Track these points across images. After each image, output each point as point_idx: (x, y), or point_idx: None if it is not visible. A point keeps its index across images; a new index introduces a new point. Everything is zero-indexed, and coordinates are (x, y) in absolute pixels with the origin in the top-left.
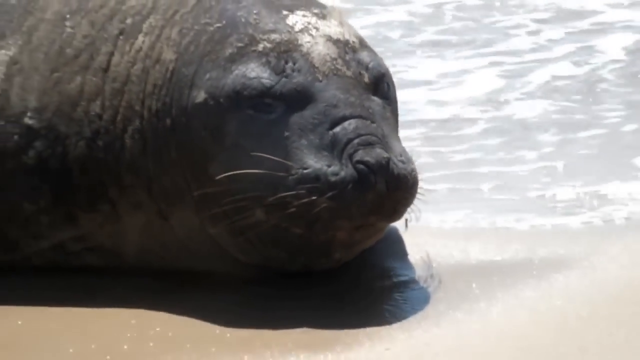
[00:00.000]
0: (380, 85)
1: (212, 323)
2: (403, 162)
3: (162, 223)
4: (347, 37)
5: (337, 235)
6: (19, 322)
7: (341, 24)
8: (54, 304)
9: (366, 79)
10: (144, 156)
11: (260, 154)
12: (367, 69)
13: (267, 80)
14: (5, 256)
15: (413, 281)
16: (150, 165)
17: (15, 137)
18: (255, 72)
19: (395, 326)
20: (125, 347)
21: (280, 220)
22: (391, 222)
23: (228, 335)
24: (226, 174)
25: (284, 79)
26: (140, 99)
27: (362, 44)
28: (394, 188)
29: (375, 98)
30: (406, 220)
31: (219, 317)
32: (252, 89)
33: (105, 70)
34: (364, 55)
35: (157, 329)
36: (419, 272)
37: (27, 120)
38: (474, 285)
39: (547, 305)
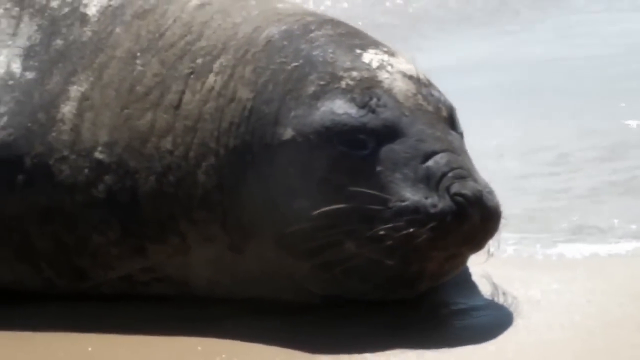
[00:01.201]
0: (454, 120)
1: (278, 347)
2: (490, 193)
3: (233, 256)
4: (417, 73)
5: (428, 266)
6: (89, 349)
7: (409, 60)
8: (122, 331)
9: (444, 114)
10: (219, 192)
11: (356, 189)
12: (442, 103)
13: (356, 116)
14: (75, 285)
15: (475, 309)
16: (225, 200)
17: (86, 170)
18: (343, 109)
19: (455, 353)
20: None
21: (374, 253)
22: (477, 252)
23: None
24: (323, 210)
25: (371, 115)
26: (215, 137)
27: (429, 79)
28: (486, 219)
29: (453, 132)
30: (489, 249)
31: (283, 342)
32: (342, 125)
33: (176, 107)
34: (436, 91)
35: (223, 356)
36: (482, 300)
37: (98, 155)
38: (535, 314)
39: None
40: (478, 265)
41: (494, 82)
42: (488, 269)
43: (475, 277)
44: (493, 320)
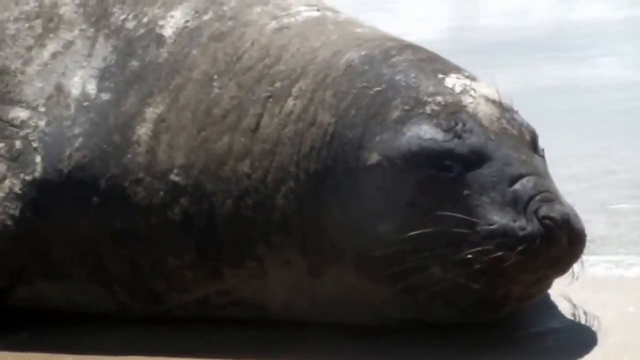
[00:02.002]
0: (537, 143)
1: None
2: (576, 216)
3: (311, 280)
4: (499, 97)
5: (514, 289)
6: None
7: (490, 85)
8: (197, 354)
9: (527, 137)
10: (299, 216)
11: (444, 212)
12: (525, 127)
13: (443, 142)
14: (150, 309)
15: (553, 331)
16: (305, 224)
17: (161, 193)
18: (429, 134)
19: None
20: None
21: (461, 277)
22: (563, 275)
23: None
24: (410, 234)
25: (457, 140)
26: (295, 161)
27: (510, 103)
28: (574, 242)
29: (536, 156)
30: (573, 272)
31: None
32: (429, 150)
33: (254, 131)
34: (517, 115)
35: None
36: (559, 322)
37: (174, 177)
38: (611, 337)
39: None
40: (556, 288)
41: (572, 106)
42: (564, 291)
43: (554, 299)
44: (570, 343)
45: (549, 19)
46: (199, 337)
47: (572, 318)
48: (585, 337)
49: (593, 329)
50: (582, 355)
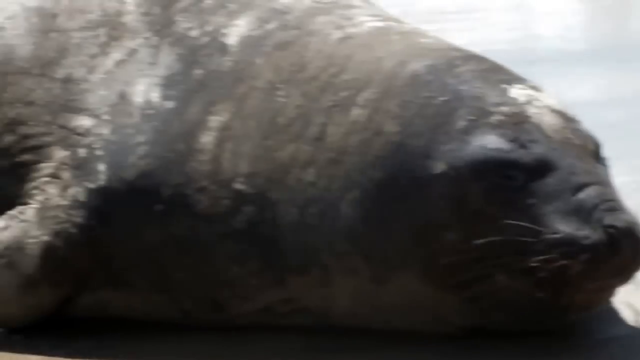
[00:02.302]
0: (599, 153)
1: None
2: (639, 225)
3: (376, 287)
4: (562, 107)
5: (578, 297)
6: None
7: (554, 95)
8: None
9: (591, 147)
10: (364, 224)
11: (510, 221)
12: (588, 138)
13: (508, 152)
14: (211, 317)
15: (616, 339)
16: (370, 233)
17: (225, 201)
18: (495, 144)
19: None
20: None
21: (525, 285)
22: (626, 283)
23: None
24: (477, 242)
25: (522, 150)
26: (360, 170)
27: (573, 114)
28: (638, 251)
29: (599, 165)
30: (636, 280)
31: None
32: (495, 159)
33: (319, 139)
34: (579, 125)
35: None
36: (622, 330)
37: (238, 186)
38: None
39: None
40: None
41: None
42: (627, 298)
43: (617, 307)
44: (632, 350)
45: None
46: (260, 342)
47: (635, 325)
48: None
49: None
50: None
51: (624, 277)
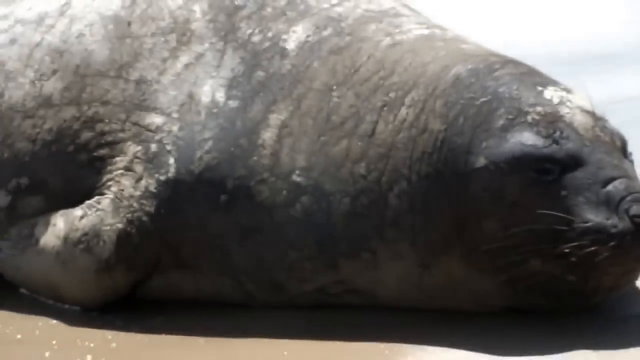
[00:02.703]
0: (626, 149)
1: (459, 349)
2: None
3: (421, 271)
4: (592, 107)
5: (605, 280)
6: (285, 353)
7: (585, 97)
8: (315, 337)
9: (618, 144)
10: (411, 214)
11: (545, 211)
12: (616, 135)
13: (543, 147)
14: (272, 297)
15: (638, 316)
16: (416, 222)
17: (284, 192)
18: (531, 141)
19: (628, 355)
20: None
21: (557, 270)
22: None
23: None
24: (514, 230)
25: (555, 146)
26: (407, 164)
27: (601, 113)
28: None
29: (626, 160)
30: None
31: (466, 346)
32: (531, 155)
33: (370, 136)
34: (608, 124)
35: (409, 357)
36: None
37: (296, 178)
38: None
39: None
40: None
41: None
42: None
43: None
44: None
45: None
46: (315, 320)
47: None
48: None
49: None
50: None
51: None
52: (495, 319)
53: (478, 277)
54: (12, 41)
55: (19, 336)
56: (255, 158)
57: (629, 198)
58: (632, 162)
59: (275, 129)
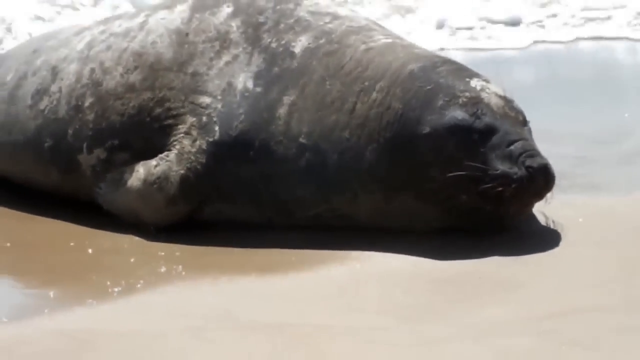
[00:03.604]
0: (527, 121)
1: (399, 253)
2: (549, 165)
3: (386, 203)
4: (504, 92)
5: (511, 209)
6: (292, 259)
7: (498, 84)
8: (313, 248)
9: (520, 118)
10: (379, 163)
11: (469, 162)
12: (519, 112)
13: (468, 120)
14: (285, 221)
15: (532, 232)
16: (383, 169)
17: (293, 150)
18: (461, 116)
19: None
20: None
21: (478, 202)
22: (540, 200)
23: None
24: (450, 175)
25: (477, 119)
26: (377, 131)
27: (510, 96)
28: (547, 181)
29: (525, 129)
30: (546, 198)
31: (407, 250)
32: (461, 125)
33: (351, 112)
34: (515, 104)
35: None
36: (538, 227)
37: (301, 140)
38: (572, 234)
39: None
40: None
41: None
42: (541, 209)
43: (535, 213)
44: (545, 238)
45: None
46: (313, 236)
47: (545, 224)
48: (553, 235)
49: (558, 230)
50: (559, 245)
51: (539, 197)
52: (437, 235)
53: (425, 206)
54: (108, 47)
55: (113, 248)
56: (273, 126)
57: (525, 154)
58: (530, 129)
59: (287, 107)
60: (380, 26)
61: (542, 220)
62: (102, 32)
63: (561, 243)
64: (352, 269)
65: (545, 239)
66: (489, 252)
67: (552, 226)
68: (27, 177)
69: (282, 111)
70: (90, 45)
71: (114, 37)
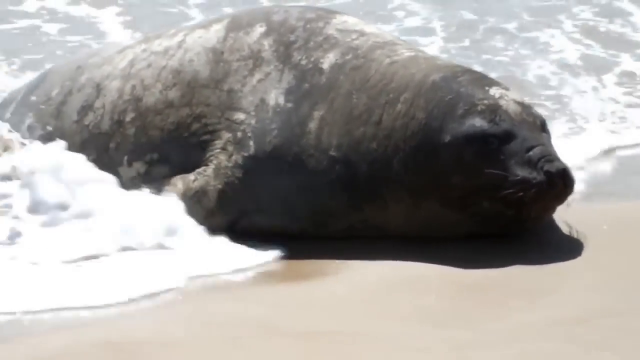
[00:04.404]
0: (544, 126)
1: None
2: (568, 169)
3: (413, 210)
4: (522, 99)
5: (530, 214)
6: (332, 266)
7: (516, 92)
8: (341, 257)
9: (538, 123)
10: (406, 172)
11: (489, 170)
12: (537, 117)
13: (487, 127)
14: (318, 232)
15: (556, 238)
16: (410, 178)
17: (324, 162)
18: (480, 123)
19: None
20: None
21: (500, 207)
22: (561, 204)
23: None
24: (471, 182)
25: (496, 126)
26: (403, 140)
27: (528, 102)
28: (568, 185)
29: (544, 134)
30: (568, 203)
31: (434, 260)
32: (480, 132)
33: (378, 124)
34: (533, 110)
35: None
36: (559, 234)
37: (332, 152)
38: (594, 240)
39: None
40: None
41: None
42: (563, 217)
43: (556, 220)
44: (566, 245)
45: None
46: (350, 246)
47: (566, 232)
48: (577, 243)
49: (582, 238)
50: (576, 252)
51: (559, 201)
52: (462, 241)
53: (449, 213)
54: (148, 65)
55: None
56: (304, 140)
57: (543, 159)
58: (549, 135)
59: (317, 121)
60: (404, 41)
61: (565, 228)
62: (144, 50)
63: (586, 249)
64: (383, 276)
65: (569, 246)
66: (514, 259)
67: (575, 235)
68: None
69: (312, 125)
70: (132, 63)
71: (154, 56)
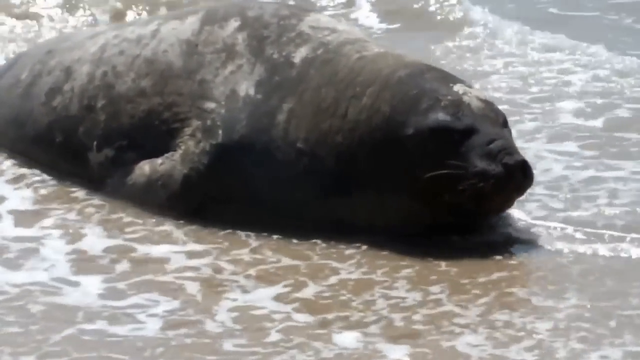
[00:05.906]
0: (505, 122)
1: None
2: (527, 162)
3: (381, 202)
4: (485, 96)
5: (490, 206)
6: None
7: (480, 89)
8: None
9: (500, 120)
10: (371, 165)
11: (451, 161)
12: (499, 113)
13: (450, 121)
14: (290, 223)
15: (511, 228)
16: (375, 169)
17: (291, 154)
18: (442, 118)
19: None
20: None
21: (460, 199)
22: (519, 197)
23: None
24: (434, 173)
25: (458, 121)
26: (368, 133)
27: (490, 99)
28: (525, 178)
29: (504, 129)
30: (524, 196)
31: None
32: (443, 126)
33: (344, 117)
34: (495, 107)
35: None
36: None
37: (299, 145)
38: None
39: None
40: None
41: None
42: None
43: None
44: (518, 232)
45: None
46: (307, 231)
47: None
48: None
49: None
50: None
51: (518, 193)
52: (425, 233)
53: (414, 204)
54: (121, 52)
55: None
56: (272, 131)
57: (503, 152)
58: (509, 129)
59: (286, 113)
60: (373, 39)
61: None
62: (115, 36)
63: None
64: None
65: (520, 234)
66: (459, 249)
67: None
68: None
69: (281, 117)
70: (103, 49)
71: (127, 43)
